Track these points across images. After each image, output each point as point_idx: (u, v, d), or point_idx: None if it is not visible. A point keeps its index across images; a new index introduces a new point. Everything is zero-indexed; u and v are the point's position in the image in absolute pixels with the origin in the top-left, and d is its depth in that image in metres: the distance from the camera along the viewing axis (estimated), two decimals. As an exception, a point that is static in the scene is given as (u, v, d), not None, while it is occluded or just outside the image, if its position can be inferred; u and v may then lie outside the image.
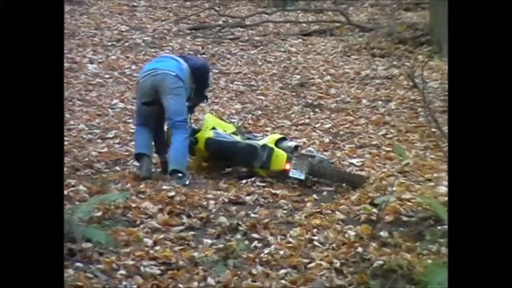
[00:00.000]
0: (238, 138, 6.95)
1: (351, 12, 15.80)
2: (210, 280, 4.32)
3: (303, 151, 7.14)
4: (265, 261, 4.63)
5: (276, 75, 11.45)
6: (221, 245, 4.88)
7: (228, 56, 12.67)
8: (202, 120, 7.31)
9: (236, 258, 4.67)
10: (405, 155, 6.70)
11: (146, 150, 6.80)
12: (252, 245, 5.00)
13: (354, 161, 7.32)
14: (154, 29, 14.06)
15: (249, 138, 7.04)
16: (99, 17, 14.73)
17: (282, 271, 4.47)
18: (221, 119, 7.67)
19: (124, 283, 4.20)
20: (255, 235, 5.18)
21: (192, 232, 5.27)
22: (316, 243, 4.95)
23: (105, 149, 7.65)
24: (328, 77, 11.23)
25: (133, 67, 11.16)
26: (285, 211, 5.78)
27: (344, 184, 6.41)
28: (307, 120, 9.07)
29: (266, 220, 5.44)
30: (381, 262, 4.43)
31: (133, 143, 7.28)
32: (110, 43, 12.85)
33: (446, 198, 5.01)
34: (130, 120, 8.55)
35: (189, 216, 5.58)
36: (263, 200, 6.10)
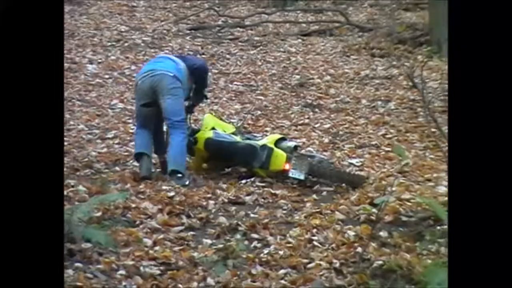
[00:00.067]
0: (237, 138, 6.95)
1: (350, 12, 15.80)
2: (210, 280, 4.32)
3: (303, 151, 7.14)
4: (265, 261, 4.63)
5: (276, 75, 11.45)
6: (221, 245, 4.88)
7: (228, 56, 12.67)
8: (202, 120, 7.31)
9: (236, 258, 4.67)
10: (404, 155, 6.69)
11: (146, 149, 6.80)
12: (252, 245, 5.01)
13: (353, 161, 7.32)
14: (154, 29, 14.06)
15: (248, 138, 7.04)
16: (99, 17, 14.74)
17: (282, 271, 4.47)
18: (221, 119, 7.67)
19: (123, 283, 4.20)
20: (255, 235, 5.18)
21: (191, 232, 5.27)
22: (315, 243, 4.95)
23: (105, 150, 7.65)
24: (328, 77, 11.23)
25: (133, 67, 11.16)
26: (284, 211, 5.78)
27: (343, 184, 6.41)
28: (306, 120, 9.07)
29: (266, 220, 5.45)
30: (380, 262, 4.43)
31: (132, 143, 7.28)
32: (109, 44, 12.86)
33: (446, 198, 5.03)
34: (130, 121, 8.55)
35: (188, 216, 5.58)
36: (262, 200, 6.10)
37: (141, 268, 4.42)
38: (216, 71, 11.59)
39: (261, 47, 13.27)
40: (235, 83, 11.01)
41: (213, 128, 7.01)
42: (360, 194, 5.96)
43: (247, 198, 6.13)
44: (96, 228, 4.89)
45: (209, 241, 5.07)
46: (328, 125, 8.81)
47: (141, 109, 6.90)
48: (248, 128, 8.46)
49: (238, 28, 14.68)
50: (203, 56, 12.29)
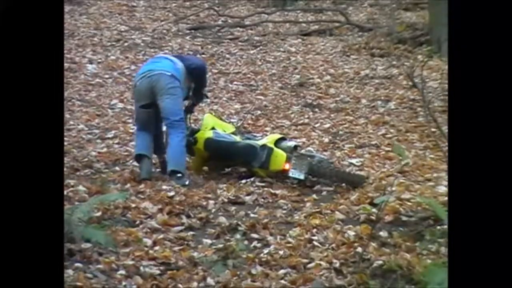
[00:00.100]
0: (237, 138, 6.95)
1: (350, 12, 15.80)
2: (210, 280, 4.32)
3: (303, 151, 7.13)
4: (265, 261, 4.63)
5: (276, 75, 11.45)
6: (221, 245, 4.88)
7: (228, 56, 12.68)
8: (202, 120, 7.30)
9: (236, 258, 4.67)
10: (404, 155, 6.69)
11: (146, 151, 6.78)
12: (252, 245, 5.00)
13: (353, 161, 7.32)
14: (154, 29, 14.07)
15: (248, 138, 7.04)
16: (99, 17, 14.74)
17: (282, 271, 4.47)
18: (221, 119, 7.66)
19: (123, 283, 4.20)
20: (255, 235, 5.18)
21: (191, 232, 5.27)
22: (315, 243, 4.95)
23: (105, 149, 7.65)
24: (328, 77, 11.23)
25: (133, 67, 11.16)
26: (284, 211, 5.78)
27: (343, 184, 6.40)
28: (306, 120, 9.07)
29: (266, 220, 5.44)
30: (380, 262, 4.43)
31: (132, 143, 7.29)
32: (109, 43, 12.86)
33: (446, 198, 5.03)
34: (130, 120, 8.55)
35: (188, 216, 5.58)
36: (262, 200, 6.10)
37: (141, 268, 4.42)
38: (216, 71, 11.60)
39: (261, 47, 13.28)
40: (235, 82, 11.02)
41: (213, 128, 7.00)
42: (360, 194, 5.96)
43: (247, 198, 6.13)
44: (96, 228, 4.89)
45: (209, 241, 5.07)
46: (328, 125, 8.81)
47: (140, 110, 6.89)
48: (248, 128, 8.46)
49: (238, 28, 14.69)
50: (203, 56, 12.30)
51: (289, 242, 4.98)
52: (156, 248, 4.84)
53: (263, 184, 6.49)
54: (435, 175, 6.45)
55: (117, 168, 7.06)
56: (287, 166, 6.56)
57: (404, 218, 5.36)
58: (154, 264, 4.54)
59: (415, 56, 11.75)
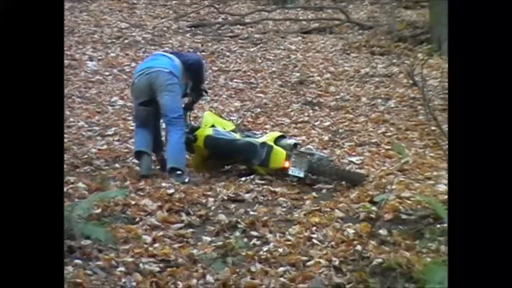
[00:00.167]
0: (237, 135, 6.95)
1: (350, 10, 15.80)
2: (209, 278, 4.32)
3: (302, 149, 7.13)
4: (264, 259, 4.63)
5: (276, 72, 11.45)
6: (220, 243, 4.88)
7: (228, 53, 12.68)
8: (201, 118, 7.30)
9: (235, 255, 4.67)
10: (404, 153, 6.69)
11: (146, 148, 6.79)
12: (251, 242, 5.01)
13: (353, 159, 7.32)
14: (154, 26, 14.07)
15: (248, 136, 7.04)
16: (99, 14, 14.74)
17: (281, 269, 4.47)
18: (221, 116, 7.66)
19: (123, 280, 4.20)
20: (254, 233, 5.18)
21: (191, 230, 5.27)
22: (315, 241, 4.95)
23: (105, 146, 7.65)
24: (328, 75, 11.23)
25: (133, 64, 11.14)
26: (284, 209, 5.78)
27: (343, 182, 6.40)
28: (306, 118, 9.07)
29: (265, 218, 5.44)
30: (380, 260, 4.43)
31: (132, 140, 7.28)
32: (109, 41, 12.86)
33: (445, 197, 5.03)
34: (130, 118, 8.54)
35: (188, 214, 5.58)
36: (262, 197, 6.10)
37: (141, 265, 4.42)
38: (216, 68, 11.60)
39: (261, 45, 13.28)
40: (235, 80, 11.01)
41: (212, 126, 7.01)
42: (360, 192, 5.97)
43: (247, 195, 6.12)
44: (95, 225, 4.88)
45: (208, 239, 5.07)
46: (328, 123, 8.81)
47: (139, 107, 6.89)
48: (247, 125, 8.46)
49: (238, 26, 14.70)
50: (203, 53, 12.29)
51: (288, 240, 4.98)
52: (156, 245, 4.84)
53: (262, 181, 6.48)
54: (435, 173, 6.45)
55: (117, 165, 7.06)
56: (286, 164, 6.56)
57: (403, 216, 5.36)
58: (154, 261, 4.54)
59: (416, 54, 11.75)
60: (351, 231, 5.07)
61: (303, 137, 8.15)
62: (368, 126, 8.65)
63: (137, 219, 5.37)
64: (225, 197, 6.02)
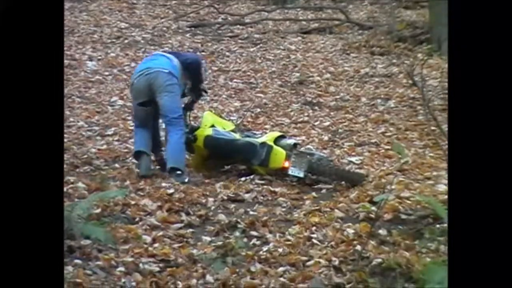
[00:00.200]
0: (237, 136, 6.95)
1: (350, 10, 15.80)
2: (209, 278, 4.31)
3: (302, 149, 7.13)
4: (264, 259, 4.63)
5: (275, 73, 11.45)
6: (220, 243, 4.88)
7: (227, 53, 12.68)
8: (201, 118, 7.30)
9: (235, 255, 4.67)
10: (404, 153, 6.68)
11: (145, 148, 6.80)
12: (251, 242, 5.01)
13: (353, 159, 7.32)
14: (154, 26, 14.07)
15: (248, 136, 7.04)
16: (99, 14, 14.75)
17: (281, 269, 4.47)
18: (220, 116, 7.66)
19: (123, 280, 4.20)
20: (254, 233, 5.18)
21: (191, 230, 5.27)
22: (314, 241, 4.95)
23: (105, 146, 7.65)
24: (327, 75, 11.23)
25: (133, 64, 11.14)
26: (284, 209, 5.78)
27: (343, 182, 6.40)
28: (306, 118, 9.07)
29: (265, 218, 5.44)
30: (379, 260, 4.43)
31: (132, 140, 7.28)
32: (109, 41, 12.86)
33: (445, 197, 5.03)
34: (129, 118, 8.54)
35: (188, 214, 5.58)
36: (262, 197, 6.10)
37: (140, 265, 4.42)
38: (216, 68, 11.60)
39: (261, 45, 13.28)
40: (234, 80, 11.02)
41: (212, 126, 7.01)
42: (360, 192, 5.96)
43: (247, 195, 6.12)
44: (95, 225, 4.88)
45: (208, 238, 5.07)
46: (327, 123, 8.81)
47: (138, 108, 6.90)
48: (247, 125, 8.46)
49: (238, 26, 14.70)
50: (203, 53, 12.30)
51: (288, 240, 4.98)
52: (156, 245, 4.84)
53: (262, 181, 6.49)
54: (434, 173, 6.45)
55: (116, 165, 7.07)
56: (286, 164, 6.56)
57: (403, 217, 5.35)
58: (154, 261, 4.54)
59: (415, 54, 11.75)
60: (350, 231, 5.07)
61: (303, 137, 8.15)
62: (367, 126, 8.65)
63: (137, 219, 5.37)
64: (225, 197, 6.02)
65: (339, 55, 12.57)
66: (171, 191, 6.04)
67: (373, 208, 5.38)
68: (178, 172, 6.52)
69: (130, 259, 4.48)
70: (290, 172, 6.52)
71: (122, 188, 6.07)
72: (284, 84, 10.80)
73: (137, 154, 6.80)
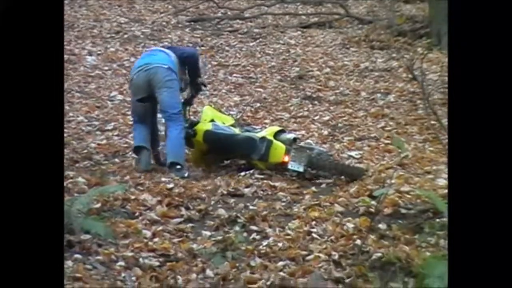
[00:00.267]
0: (236, 130, 6.95)
1: (350, 4, 15.78)
2: (209, 272, 4.32)
3: (302, 144, 7.14)
4: (264, 253, 4.63)
5: (275, 67, 11.45)
6: (220, 237, 4.89)
7: (227, 48, 12.67)
8: (201, 113, 7.30)
9: (235, 250, 4.67)
10: (404, 147, 6.68)
11: (145, 143, 6.81)
12: (251, 237, 5.01)
13: (352, 153, 7.32)
14: (153, 21, 14.06)
15: (247, 131, 7.04)
16: (98, 9, 14.73)
17: (281, 263, 4.47)
18: (220, 111, 7.66)
19: (123, 274, 4.20)
20: (254, 227, 5.19)
21: (190, 224, 5.27)
22: (314, 235, 4.95)
23: (104, 141, 7.66)
24: (327, 70, 11.23)
25: (132, 59, 11.13)
26: (283, 204, 5.78)
27: (342, 177, 6.40)
28: (305, 113, 9.07)
29: (265, 212, 5.45)
30: (379, 254, 4.43)
31: (132, 135, 7.28)
32: (109, 35, 12.86)
33: (445, 191, 5.03)
34: (129, 112, 8.52)
35: (187, 208, 5.58)
36: (261, 192, 6.10)
37: (140, 259, 4.42)
38: (216, 63, 11.59)
39: (260, 39, 13.27)
40: (234, 75, 11.01)
41: (212, 120, 7.01)
42: (359, 187, 5.96)
43: (246, 190, 6.13)
44: (95, 219, 4.89)
45: (208, 233, 5.07)
46: (327, 118, 8.81)
47: (137, 104, 6.90)
48: (247, 120, 8.46)
49: (238, 20, 14.69)
50: (203, 48, 12.30)
51: (288, 234, 4.98)
52: (155, 239, 4.84)
53: (262, 176, 6.49)
54: (434, 167, 6.45)
55: (116, 160, 7.07)
56: (286, 159, 6.56)
57: (403, 211, 5.35)
58: (153, 255, 4.54)
59: (415, 48, 11.73)
60: (350, 225, 5.07)
61: (303, 132, 8.15)
62: (367, 120, 8.65)
63: (137, 214, 5.37)
64: (225, 192, 6.02)
65: (338, 50, 12.56)
66: (171, 185, 6.04)
67: (373, 202, 5.38)
68: (178, 166, 6.52)
69: (130, 254, 4.48)
70: (289, 167, 6.52)
71: (121, 183, 6.07)
72: (284, 79, 10.80)
73: (137, 149, 6.81)
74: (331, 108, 9.26)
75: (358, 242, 4.65)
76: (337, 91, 10.07)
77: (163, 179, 6.29)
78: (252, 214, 5.40)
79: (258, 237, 5.01)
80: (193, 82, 7.11)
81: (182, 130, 6.71)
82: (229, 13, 15.25)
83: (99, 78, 10.33)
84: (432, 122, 7.85)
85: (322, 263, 4.43)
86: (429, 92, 8.57)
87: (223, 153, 7.06)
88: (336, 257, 4.50)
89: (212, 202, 5.76)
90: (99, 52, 11.72)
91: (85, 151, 7.19)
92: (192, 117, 7.19)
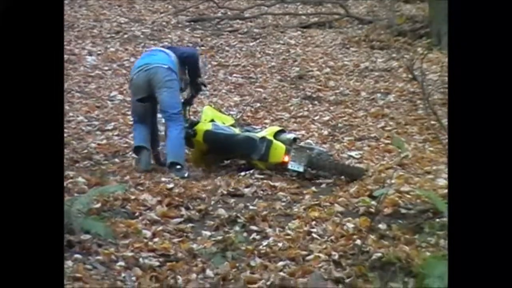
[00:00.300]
0: (236, 130, 6.95)
1: (350, 4, 15.78)
2: (209, 272, 4.32)
3: (302, 144, 7.14)
4: (264, 253, 4.63)
5: (275, 67, 11.45)
6: (220, 237, 4.89)
7: (227, 48, 12.67)
8: (201, 113, 7.31)
9: (235, 250, 4.67)
10: (404, 147, 6.68)
11: (145, 143, 6.81)
12: (251, 237, 5.01)
13: (352, 153, 7.32)
14: (153, 21, 14.06)
15: (247, 131, 7.04)
16: (98, 9, 14.73)
17: (281, 263, 4.47)
18: (220, 111, 7.66)
19: (123, 274, 4.20)
20: (254, 227, 5.18)
21: (190, 224, 5.27)
22: (314, 235, 4.95)
23: (104, 141, 7.66)
24: (327, 70, 11.23)
25: (132, 59, 11.13)
26: (283, 204, 5.78)
27: (342, 177, 6.40)
28: (305, 113, 9.07)
29: (265, 212, 5.45)
30: (379, 254, 4.43)
31: (132, 135, 7.29)
32: (109, 35, 12.86)
33: (445, 191, 5.03)
34: (129, 112, 8.53)
35: (187, 208, 5.58)
36: (261, 192, 6.10)
37: (140, 259, 4.42)
38: (216, 63, 11.59)
39: (260, 39, 13.27)
40: (234, 75, 11.01)
41: (212, 120, 7.01)
42: (359, 187, 5.96)
43: (246, 190, 6.12)
44: (95, 219, 4.88)
45: (208, 233, 5.07)
46: (327, 118, 8.81)
47: (137, 104, 6.91)
48: (247, 120, 8.46)
49: (238, 20, 14.69)
50: (203, 48, 12.29)
51: (288, 234, 4.98)
52: (155, 239, 4.84)
53: (262, 176, 6.49)
54: (434, 167, 6.45)
55: (116, 159, 7.07)
56: (286, 159, 6.56)
57: (403, 211, 5.35)
58: (154, 255, 4.54)
59: (415, 48, 11.73)
60: (350, 225, 5.07)
61: (303, 132, 8.15)
62: (367, 120, 8.65)
63: (137, 214, 5.37)
64: (225, 192, 6.02)
65: (338, 50, 12.56)
66: (171, 185, 6.04)
67: (373, 202, 5.38)
68: (178, 166, 6.52)
69: (130, 254, 4.48)
70: (289, 167, 6.52)
71: (121, 183, 6.07)
72: (284, 79, 10.80)
73: (137, 149, 6.81)
74: (331, 108, 9.26)
75: (358, 242, 4.65)
76: (337, 91, 10.07)
77: (163, 179, 6.29)
78: (252, 214, 5.40)
79: (258, 237, 5.01)
80: (193, 82, 7.11)
81: (182, 130, 6.71)
82: (229, 13, 15.25)
83: (99, 78, 10.33)
84: (432, 122, 7.85)
85: (322, 263, 4.43)
86: (429, 92, 8.57)
87: (223, 153, 7.06)
88: (336, 257, 4.50)
89: (212, 202, 5.77)
90: (99, 52, 11.72)
91: (85, 151, 7.19)
92: (192, 117, 7.19)
